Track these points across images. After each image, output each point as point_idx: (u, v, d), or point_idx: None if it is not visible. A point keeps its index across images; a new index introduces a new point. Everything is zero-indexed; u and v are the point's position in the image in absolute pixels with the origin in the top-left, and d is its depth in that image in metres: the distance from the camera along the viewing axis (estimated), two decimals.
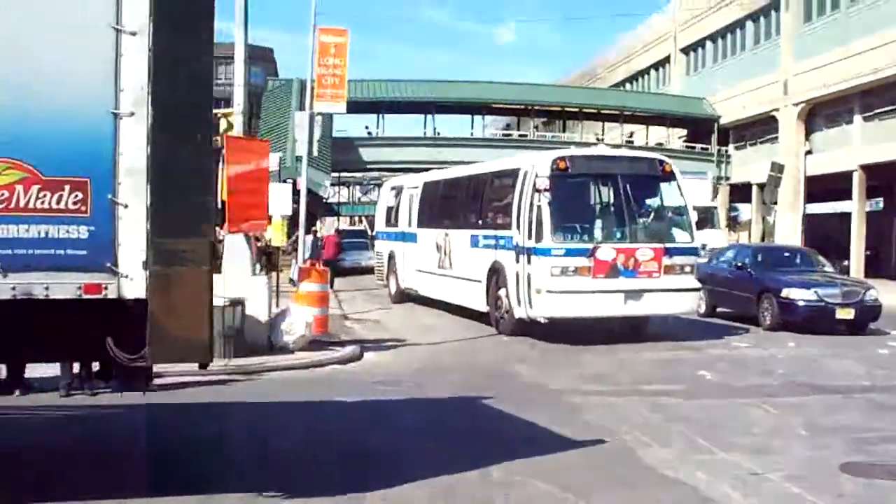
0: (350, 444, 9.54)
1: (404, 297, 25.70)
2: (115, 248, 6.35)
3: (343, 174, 57.67)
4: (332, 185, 53.50)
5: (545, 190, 17.43)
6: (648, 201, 18.80)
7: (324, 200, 48.19)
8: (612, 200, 18.85)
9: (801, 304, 19.33)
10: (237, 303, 14.44)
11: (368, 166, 53.29)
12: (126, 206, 6.32)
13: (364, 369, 14.78)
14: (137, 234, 6.33)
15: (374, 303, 25.87)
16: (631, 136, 56.10)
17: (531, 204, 17.75)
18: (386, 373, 14.29)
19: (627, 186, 18.42)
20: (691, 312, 18.93)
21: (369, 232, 52.21)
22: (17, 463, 8.18)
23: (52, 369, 11.07)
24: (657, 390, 12.82)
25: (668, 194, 18.83)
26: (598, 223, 18.34)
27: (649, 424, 10.52)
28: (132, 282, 6.37)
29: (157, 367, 7.55)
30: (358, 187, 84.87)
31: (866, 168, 38.41)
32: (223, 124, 16.88)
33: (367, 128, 54.04)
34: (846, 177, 38.95)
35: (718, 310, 22.00)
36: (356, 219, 77.71)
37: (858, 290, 19.74)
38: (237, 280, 14.80)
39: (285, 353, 15.27)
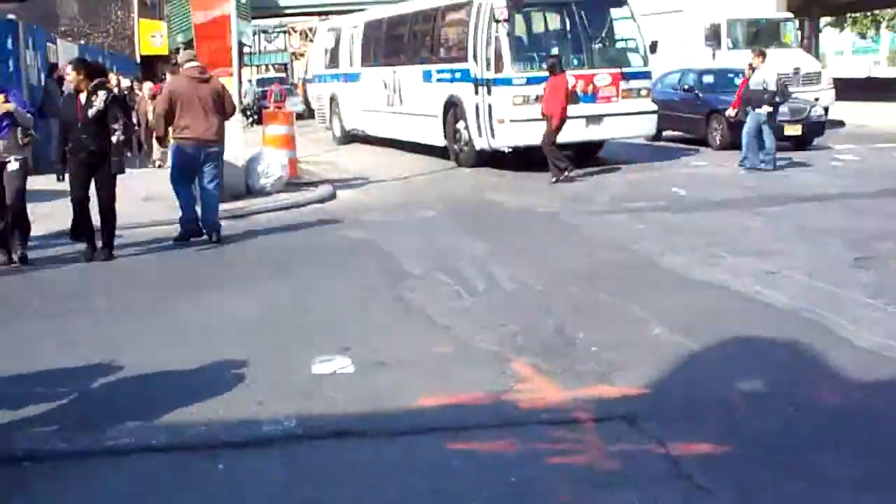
0: None
1: (349, 138, 25.66)
2: None
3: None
4: None
5: (504, 21, 17.46)
6: (603, 28, 18.93)
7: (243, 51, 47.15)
8: (567, 28, 18.92)
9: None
10: None
11: (287, 11, 52.01)
12: None
13: (345, 206, 14.80)
14: None
15: (319, 146, 25.70)
16: None
17: (489, 35, 17.73)
18: (369, 207, 14.43)
19: (582, 14, 18.50)
20: (649, 135, 19.34)
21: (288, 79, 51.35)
22: None
23: None
24: (642, 207, 13.26)
25: (622, 20, 19.00)
26: (556, 51, 18.46)
27: (653, 237, 10.95)
28: None
29: None
30: (263, 35, 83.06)
31: None
32: None
33: None
34: None
35: (665, 133, 22.39)
36: (263, 68, 76.47)
37: (805, 107, 20.28)
38: None
39: (264, 196, 15.31)
